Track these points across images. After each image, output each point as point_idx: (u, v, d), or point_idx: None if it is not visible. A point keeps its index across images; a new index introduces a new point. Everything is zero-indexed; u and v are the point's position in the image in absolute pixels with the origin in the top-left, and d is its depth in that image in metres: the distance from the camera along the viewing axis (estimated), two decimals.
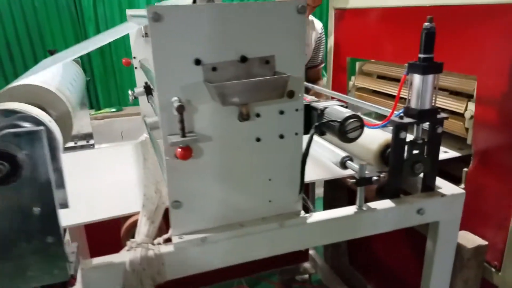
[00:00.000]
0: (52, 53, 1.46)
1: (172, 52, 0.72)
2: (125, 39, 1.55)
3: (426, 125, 0.98)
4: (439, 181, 1.06)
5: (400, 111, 0.97)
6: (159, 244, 0.85)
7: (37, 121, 0.63)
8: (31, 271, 0.61)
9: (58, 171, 0.64)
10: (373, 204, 0.96)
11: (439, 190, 1.03)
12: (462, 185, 1.20)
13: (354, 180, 0.91)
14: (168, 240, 0.86)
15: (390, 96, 1.50)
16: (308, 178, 1.03)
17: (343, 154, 1.05)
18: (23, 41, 3.05)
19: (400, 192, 1.01)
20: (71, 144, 1.54)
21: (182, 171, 0.80)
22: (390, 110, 0.95)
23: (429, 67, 0.92)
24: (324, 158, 1.15)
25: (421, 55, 0.93)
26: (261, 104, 0.81)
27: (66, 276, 0.64)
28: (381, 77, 1.62)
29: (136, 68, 1.57)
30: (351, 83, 1.77)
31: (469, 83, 1.18)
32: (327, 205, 1.79)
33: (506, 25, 1.02)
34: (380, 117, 1.17)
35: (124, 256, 0.81)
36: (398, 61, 1.44)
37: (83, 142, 1.56)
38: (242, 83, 0.72)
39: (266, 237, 0.89)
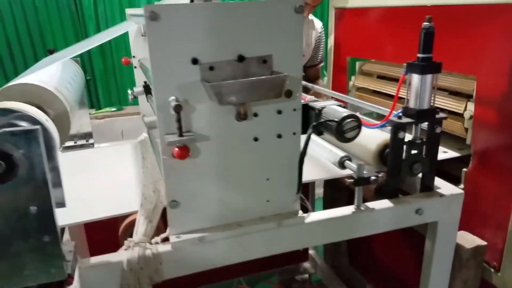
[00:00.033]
0: (51, 52, 1.46)
1: (169, 51, 0.72)
2: (125, 38, 1.55)
3: (425, 125, 0.97)
4: (438, 181, 1.06)
5: (399, 111, 0.97)
6: (156, 243, 0.85)
7: (33, 120, 0.63)
8: (28, 270, 0.61)
9: (55, 170, 0.64)
10: (371, 204, 0.96)
11: (438, 190, 1.03)
12: (462, 185, 1.19)
13: (352, 180, 0.91)
14: (165, 240, 0.86)
15: (390, 96, 1.50)
16: (306, 178, 1.03)
17: (342, 154, 1.05)
18: (23, 40, 3.05)
19: (398, 192, 1.01)
20: (70, 143, 1.54)
21: (180, 171, 0.80)
22: (390, 110, 0.95)
23: (427, 66, 0.92)
24: (323, 158, 1.15)
25: (420, 55, 0.92)
26: (258, 103, 0.81)
27: (63, 275, 0.64)
28: (381, 77, 1.62)
29: (135, 67, 1.57)
30: (351, 83, 1.76)
31: (468, 83, 1.18)
32: (327, 205, 1.78)
33: (505, 25, 1.02)
34: (380, 117, 1.17)
35: (121, 255, 0.81)
36: (398, 61, 1.44)
37: (83, 141, 1.56)
38: (239, 82, 0.72)
39: (264, 236, 0.89)
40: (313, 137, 1.09)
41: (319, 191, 1.98)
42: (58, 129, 0.75)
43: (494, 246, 1.11)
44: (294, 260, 2.08)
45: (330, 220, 0.92)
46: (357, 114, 1.09)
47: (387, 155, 0.99)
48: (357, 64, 1.74)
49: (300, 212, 0.92)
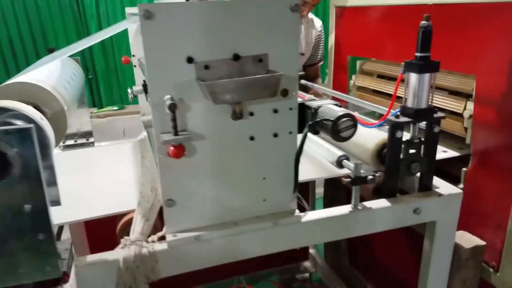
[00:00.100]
0: (51, 51, 1.46)
1: (164, 50, 0.72)
2: (127, 37, 1.55)
3: (423, 124, 0.97)
4: (437, 181, 1.06)
5: (397, 110, 0.96)
6: (153, 242, 0.85)
7: (28, 119, 0.63)
8: (23, 268, 0.61)
9: (50, 168, 0.65)
10: (368, 204, 0.96)
11: (436, 189, 1.02)
12: (461, 185, 1.19)
13: (349, 180, 0.91)
14: (162, 238, 0.86)
15: (391, 96, 1.50)
16: (304, 177, 1.03)
17: (340, 153, 1.05)
18: (25, 39, 3.07)
19: (396, 192, 1.01)
20: (71, 142, 1.55)
21: (175, 170, 0.81)
22: (387, 109, 0.95)
23: (425, 66, 0.91)
24: (321, 157, 1.15)
25: (418, 54, 0.92)
26: (254, 102, 0.81)
27: (58, 273, 0.65)
28: (381, 76, 1.61)
29: (135, 66, 1.57)
30: (351, 82, 1.76)
31: (468, 82, 1.17)
32: (327, 204, 1.78)
33: (505, 24, 1.01)
34: (381, 116, 1.16)
35: (118, 254, 0.81)
36: (398, 60, 1.43)
37: (83, 140, 1.57)
38: (234, 81, 0.72)
39: (260, 235, 0.89)
40: (312, 136, 1.09)
41: (320, 191, 1.97)
42: (54, 128, 0.75)
43: (493, 246, 1.10)
44: (294, 259, 2.08)
45: (327, 219, 0.92)
46: (355, 113, 1.10)
47: (385, 154, 0.99)
48: (358, 63, 1.73)
49: (297, 211, 0.92)
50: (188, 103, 0.77)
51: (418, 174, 1.02)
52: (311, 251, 2.09)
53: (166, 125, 0.75)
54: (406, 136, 0.97)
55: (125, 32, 1.51)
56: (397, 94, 0.98)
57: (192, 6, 0.72)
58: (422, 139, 0.98)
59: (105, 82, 3.39)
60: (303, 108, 0.91)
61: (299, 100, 0.99)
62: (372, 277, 1.75)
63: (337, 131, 0.81)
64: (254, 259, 0.90)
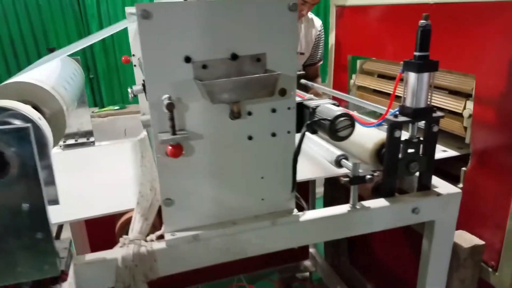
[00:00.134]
0: (51, 51, 1.47)
1: (162, 49, 0.72)
2: (128, 37, 1.56)
3: (422, 123, 0.97)
4: (436, 180, 1.05)
5: (396, 109, 0.96)
6: (151, 241, 0.86)
7: (26, 119, 0.63)
8: (21, 267, 0.62)
9: (48, 168, 0.65)
10: (367, 203, 0.96)
11: (435, 189, 1.02)
12: (461, 185, 1.19)
13: (347, 179, 0.91)
14: (161, 237, 0.86)
15: (388, 95, 1.49)
16: (303, 176, 1.04)
17: (339, 152, 1.05)
18: (27, 39, 3.08)
19: (395, 191, 1.01)
20: (71, 141, 1.55)
21: (173, 169, 0.81)
22: (386, 109, 0.95)
23: (424, 65, 0.91)
24: (320, 157, 1.15)
25: (416, 53, 0.92)
26: (252, 102, 0.81)
27: (56, 272, 0.65)
28: (382, 76, 1.61)
29: (135, 66, 1.58)
30: (352, 81, 1.76)
31: (467, 82, 1.17)
32: (327, 204, 1.78)
33: (505, 24, 1.01)
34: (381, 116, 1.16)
35: (116, 253, 0.82)
36: (399, 60, 1.43)
37: (84, 140, 1.57)
38: (231, 81, 0.72)
39: (258, 234, 0.89)
40: (311, 135, 1.09)
41: (320, 190, 1.98)
42: (53, 128, 0.76)
43: (492, 246, 1.10)
44: (294, 258, 2.08)
45: (325, 219, 0.92)
46: (354, 112, 1.10)
47: (384, 154, 0.99)
48: (358, 62, 1.73)
49: (295, 210, 0.92)
50: (186, 102, 0.77)
51: (417, 174, 1.02)
52: (311, 250, 2.10)
53: (164, 125, 0.76)
54: (405, 135, 0.97)
55: (125, 32, 1.51)
56: (397, 94, 0.98)
57: (190, 6, 0.72)
58: (421, 139, 0.98)
59: (106, 81, 3.40)
60: (301, 107, 0.91)
61: (298, 99, 0.99)
62: (372, 276, 1.75)
63: (335, 130, 0.81)
64: (255, 258, 0.90)
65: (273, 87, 0.75)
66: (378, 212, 0.95)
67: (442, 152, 1.21)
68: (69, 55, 1.38)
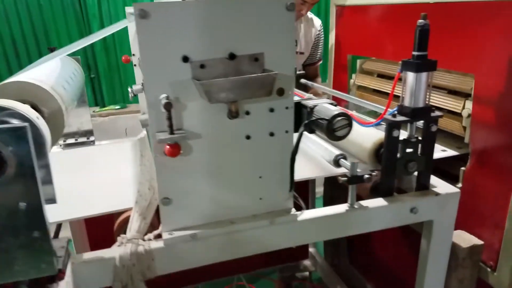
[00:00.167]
0: (52, 50, 1.47)
1: (160, 49, 0.72)
2: (128, 36, 1.56)
3: (421, 123, 0.97)
4: (435, 180, 1.05)
5: (394, 109, 0.96)
6: (149, 240, 0.86)
7: (24, 118, 0.64)
8: (18, 266, 0.62)
9: (46, 167, 0.65)
10: (365, 202, 0.96)
11: (433, 189, 1.02)
12: (460, 184, 1.18)
13: (345, 178, 0.91)
14: (158, 236, 0.87)
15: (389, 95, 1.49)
16: (302, 176, 1.04)
17: (337, 152, 1.05)
18: (28, 38, 3.10)
19: (393, 191, 1.01)
20: (71, 140, 1.56)
21: (171, 168, 0.81)
22: (385, 108, 0.95)
23: (422, 64, 0.91)
24: (319, 156, 1.15)
25: (415, 53, 0.92)
26: (250, 101, 0.81)
27: (53, 271, 0.65)
28: (381, 75, 1.61)
29: (135, 65, 1.58)
30: (351, 81, 1.75)
31: (467, 82, 1.17)
32: (327, 203, 1.78)
33: (504, 23, 1.01)
34: None
35: (114, 252, 0.82)
36: (398, 59, 1.42)
37: (84, 139, 1.58)
38: (228, 80, 0.72)
39: (256, 234, 0.89)
40: (310, 135, 1.09)
41: (320, 190, 1.98)
42: (51, 127, 0.76)
43: (490, 246, 1.10)
44: (294, 258, 2.08)
45: (323, 218, 0.92)
46: (353, 112, 1.10)
47: (383, 153, 0.99)
48: (358, 62, 1.73)
49: (293, 210, 0.93)
50: (184, 102, 0.77)
51: (416, 173, 1.02)
52: (311, 250, 2.10)
53: (162, 124, 0.76)
54: (404, 135, 0.97)
55: (126, 31, 1.52)
56: (397, 94, 0.98)
57: (187, 6, 0.72)
58: (420, 138, 0.97)
59: (107, 81, 3.41)
60: (299, 107, 0.91)
61: (297, 98, 0.99)
62: (371, 276, 1.75)
63: (332, 130, 0.82)
64: (254, 257, 0.91)
65: (271, 87, 0.75)
66: (376, 211, 0.95)
67: (441, 151, 1.21)
68: (70, 55, 1.38)
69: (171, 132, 0.75)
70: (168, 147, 0.76)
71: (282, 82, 0.80)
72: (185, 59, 0.74)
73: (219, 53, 0.76)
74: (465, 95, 1.18)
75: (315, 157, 1.17)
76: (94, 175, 1.18)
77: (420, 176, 1.02)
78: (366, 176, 0.91)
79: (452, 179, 1.19)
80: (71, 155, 1.44)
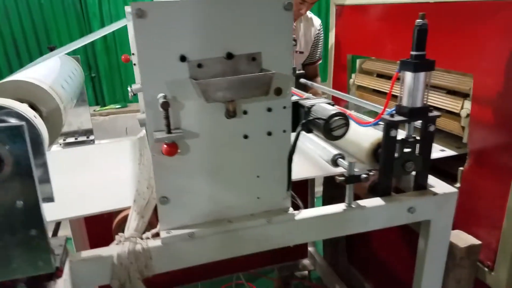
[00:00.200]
0: (51, 49, 1.48)
1: (157, 48, 0.73)
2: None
3: (419, 123, 0.97)
4: (433, 180, 1.06)
5: (392, 109, 0.96)
6: (147, 238, 0.86)
7: (21, 117, 0.64)
8: (16, 263, 0.62)
9: (43, 166, 0.66)
10: (362, 202, 0.96)
11: (431, 188, 1.02)
12: (458, 184, 1.19)
13: (342, 178, 0.91)
14: (156, 235, 0.87)
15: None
16: (300, 175, 1.04)
17: (335, 151, 1.05)
18: (29, 38, 3.10)
19: (391, 190, 1.01)
20: (71, 139, 1.56)
21: (169, 167, 0.81)
22: (383, 108, 0.95)
23: (420, 64, 0.91)
24: (318, 156, 1.15)
25: (413, 53, 0.92)
26: (248, 101, 0.81)
27: (50, 268, 0.66)
28: (381, 75, 1.61)
29: (135, 64, 1.58)
30: (351, 81, 1.75)
31: (465, 82, 1.17)
32: (326, 203, 1.77)
33: (503, 23, 1.01)
34: None
35: (112, 250, 0.82)
36: (398, 59, 1.42)
37: (84, 138, 1.58)
38: (225, 80, 0.72)
39: (254, 233, 0.90)
40: (309, 134, 1.10)
41: (319, 189, 1.98)
42: (50, 126, 0.77)
43: (488, 246, 1.10)
44: (293, 257, 2.09)
45: (321, 218, 0.93)
46: (352, 112, 1.10)
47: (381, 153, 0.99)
48: (358, 62, 1.73)
49: (291, 209, 0.93)
50: (182, 101, 0.77)
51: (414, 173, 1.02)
52: (310, 249, 2.10)
53: (159, 123, 0.76)
54: (402, 134, 0.97)
55: (127, 30, 1.52)
56: (396, 94, 0.98)
57: (185, 5, 0.72)
58: (418, 138, 0.98)
59: (108, 80, 3.42)
60: (297, 106, 0.91)
61: (296, 98, 0.99)
62: (370, 275, 1.76)
63: (329, 129, 0.82)
64: (254, 256, 0.91)
65: (268, 86, 0.76)
66: (374, 211, 0.96)
67: (440, 151, 1.21)
68: (70, 54, 1.39)
69: (169, 131, 0.75)
70: (165, 146, 0.77)
71: (280, 82, 0.81)
72: (183, 58, 0.75)
73: (217, 52, 0.77)
74: (464, 95, 1.18)
75: (313, 156, 1.17)
76: (93, 174, 1.18)
77: (418, 176, 1.02)
78: (364, 175, 0.91)
79: (451, 179, 1.19)
80: (71, 154, 1.44)
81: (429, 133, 0.97)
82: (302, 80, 1.60)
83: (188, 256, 0.88)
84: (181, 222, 0.87)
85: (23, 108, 0.66)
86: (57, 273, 0.69)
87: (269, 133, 0.85)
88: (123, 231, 0.89)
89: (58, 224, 0.99)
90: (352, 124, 0.97)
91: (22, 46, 3.11)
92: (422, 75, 0.92)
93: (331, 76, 1.88)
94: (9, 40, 3.07)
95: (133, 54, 1.59)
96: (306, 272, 2.09)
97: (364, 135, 1.07)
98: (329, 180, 1.75)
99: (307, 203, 1.94)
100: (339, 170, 1.06)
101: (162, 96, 0.74)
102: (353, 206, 0.95)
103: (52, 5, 3.08)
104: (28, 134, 0.58)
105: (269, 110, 0.84)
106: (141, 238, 0.86)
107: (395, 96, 1.01)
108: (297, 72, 1.44)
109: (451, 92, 1.24)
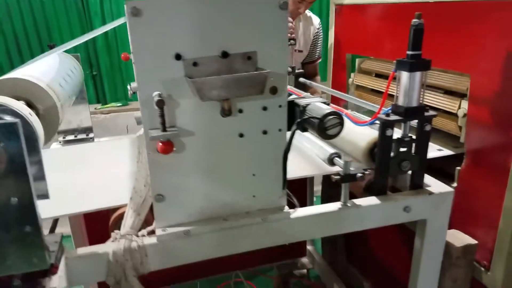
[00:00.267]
0: (52, 47, 1.48)
1: (152, 47, 0.73)
2: None
3: (415, 122, 0.97)
4: (429, 179, 1.06)
5: (388, 108, 0.96)
6: (143, 236, 0.87)
7: (16, 114, 0.65)
8: (10, 260, 0.63)
9: (38, 163, 0.66)
10: (358, 201, 0.96)
11: (427, 188, 1.02)
12: (455, 184, 1.19)
13: (338, 177, 0.92)
14: (152, 232, 0.87)
15: (388, 95, 1.49)
16: (296, 174, 1.04)
17: (332, 150, 1.06)
18: (31, 36, 3.11)
19: (387, 189, 1.01)
20: (71, 137, 1.57)
21: (164, 165, 0.82)
22: (379, 107, 0.95)
23: (416, 64, 0.91)
24: (314, 155, 1.15)
25: (409, 52, 0.92)
26: (243, 100, 0.81)
27: (45, 265, 0.66)
28: (379, 75, 1.61)
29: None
30: (350, 80, 1.75)
31: (463, 82, 1.17)
32: (324, 202, 1.78)
33: (500, 23, 1.01)
34: None
35: (108, 247, 0.83)
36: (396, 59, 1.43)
37: (83, 136, 1.59)
38: (220, 78, 0.73)
39: (249, 231, 0.90)
40: (306, 133, 1.10)
41: (318, 189, 1.98)
42: (46, 124, 0.77)
43: (484, 245, 1.10)
44: (292, 255, 2.09)
45: (316, 216, 0.93)
46: (349, 111, 1.10)
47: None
48: (357, 61, 1.73)
49: (286, 207, 0.93)
50: (177, 99, 0.78)
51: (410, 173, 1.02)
52: (309, 247, 2.10)
53: (155, 122, 0.77)
54: (398, 134, 0.97)
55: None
56: (393, 93, 0.98)
57: (180, 3, 0.72)
58: (414, 137, 0.98)
59: (109, 78, 3.43)
60: (292, 105, 0.91)
61: (293, 97, 1.00)
62: (369, 274, 1.76)
63: (324, 128, 0.82)
64: (252, 254, 0.91)
65: (263, 85, 0.76)
66: (369, 210, 0.96)
67: (437, 151, 1.21)
68: (71, 52, 1.39)
69: (164, 130, 0.76)
70: (160, 144, 0.77)
71: (275, 81, 0.81)
72: (178, 56, 0.75)
73: (212, 51, 0.77)
74: (461, 95, 1.18)
75: (310, 155, 1.17)
76: (92, 172, 1.19)
77: (414, 175, 1.02)
78: (359, 174, 0.91)
79: (448, 178, 1.19)
80: (70, 152, 1.45)
81: (425, 133, 0.97)
82: (301, 79, 1.60)
83: (183, 254, 0.88)
84: (176, 220, 0.87)
85: (19, 106, 0.67)
86: (52, 270, 0.70)
87: (265, 132, 0.86)
88: (119, 229, 0.89)
89: (55, 221, 1.00)
90: (349, 123, 0.98)
91: (24, 44, 3.13)
92: (418, 74, 0.92)
93: (330, 76, 1.88)
94: (11, 38, 3.08)
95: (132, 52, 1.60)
96: (305, 271, 2.10)
97: (360, 134, 1.07)
98: (327, 179, 1.75)
99: (306, 202, 1.94)
100: (336, 169, 1.06)
101: (157, 94, 0.74)
102: (348, 205, 0.95)
103: (53, 3, 3.10)
104: (23, 131, 0.58)
105: (265, 109, 0.84)
106: (137, 236, 0.86)
107: (393, 96, 1.01)
108: (296, 71, 1.44)
109: (449, 92, 1.24)
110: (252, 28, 0.78)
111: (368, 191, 1.03)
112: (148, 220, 0.93)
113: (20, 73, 0.86)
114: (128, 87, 1.44)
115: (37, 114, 0.77)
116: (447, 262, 1.09)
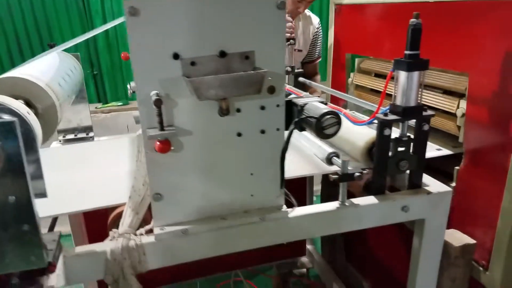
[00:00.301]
0: (52, 47, 1.49)
1: (150, 46, 0.73)
2: None
3: (413, 122, 0.97)
4: (427, 179, 1.06)
5: (386, 107, 0.97)
6: (141, 234, 0.87)
7: (14, 113, 0.65)
8: (8, 258, 0.63)
9: (36, 162, 0.66)
10: (356, 200, 0.96)
11: (426, 187, 1.03)
12: (454, 183, 1.19)
13: (336, 176, 0.92)
14: (150, 231, 0.88)
15: (387, 95, 1.49)
16: (295, 173, 1.04)
17: (330, 150, 1.06)
18: (31, 35, 3.12)
19: (385, 189, 1.01)
20: (71, 136, 1.57)
21: (162, 164, 0.82)
22: (377, 107, 0.95)
23: (414, 63, 0.91)
24: (313, 154, 1.15)
25: (407, 52, 0.92)
26: (241, 99, 0.82)
27: (43, 263, 0.67)
28: (379, 75, 1.61)
29: None
30: (350, 80, 1.75)
31: (461, 81, 1.17)
32: (324, 201, 1.78)
33: (499, 23, 1.00)
34: None
35: (106, 246, 0.83)
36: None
37: (83, 135, 1.59)
38: (217, 78, 0.73)
39: (247, 230, 0.90)
40: (305, 133, 1.10)
41: (318, 188, 1.98)
42: (45, 123, 0.78)
43: (483, 245, 1.10)
44: (291, 255, 2.09)
45: (314, 215, 0.93)
46: (347, 110, 1.10)
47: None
48: (356, 61, 1.73)
49: (284, 206, 0.93)
50: (175, 99, 0.78)
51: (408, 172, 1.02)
52: (308, 247, 2.11)
53: (152, 121, 0.77)
54: (396, 133, 0.97)
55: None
56: (391, 93, 0.98)
57: (178, 2, 0.73)
58: (412, 137, 0.98)
59: (110, 77, 3.43)
60: (290, 105, 0.91)
61: (291, 96, 1.00)
62: (368, 273, 1.76)
63: (321, 128, 0.82)
64: (252, 253, 0.92)
65: (260, 85, 0.76)
66: (367, 209, 0.96)
67: (436, 150, 1.21)
68: (71, 51, 1.40)
69: (161, 129, 0.76)
70: (158, 143, 0.77)
71: (273, 80, 0.81)
72: (176, 56, 0.75)
73: (210, 50, 0.77)
74: (460, 95, 1.18)
75: (309, 154, 1.17)
76: (92, 171, 1.19)
77: (412, 174, 1.02)
78: (357, 174, 0.91)
79: (447, 178, 1.19)
80: (70, 151, 1.45)
81: (423, 132, 0.97)
82: (301, 79, 1.60)
83: (181, 253, 0.88)
84: (174, 218, 0.88)
85: (17, 105, 0.67)
86: (49, 268, 0.70)
87: (263, 131, 0.86)
88: (117, 227, 0.90)
89: (54, 220, 1.00)
90: (348, 122, 0.98)
91: (25, 43, 3.14)
92: (416, 74, 0.92)
93: (330, 75, 1.88)
94: (11, 37, 3.09)
95: None
96: (304, 270, 2.10)
97: (359, 133, 1.07)
98: (326, 179, 1.75)
99: (306, 202, 1.94)
100: (334, 168, 1.06)
101: (155, 94, 0.74)
102: (346, 204, 0.95)
103: (54, 2, 3.10)
104: (21, 130, 0.59)
105: (262, 108, 0.84)
106: (135, 234, 0.87)
107: (390, 95, 1.01)
108: (296, 71, 1.44)
109: (447, 92, 1.24)
110: (250, 28, 0.78)
111: (366, 190, 1.03)
112: (146, 219, 0.93)
113: (19, 72, 0.87)
114: (128, 86, 1.44)
115: (36, 113, 0.78)
116: (446, 262, 1.09)
